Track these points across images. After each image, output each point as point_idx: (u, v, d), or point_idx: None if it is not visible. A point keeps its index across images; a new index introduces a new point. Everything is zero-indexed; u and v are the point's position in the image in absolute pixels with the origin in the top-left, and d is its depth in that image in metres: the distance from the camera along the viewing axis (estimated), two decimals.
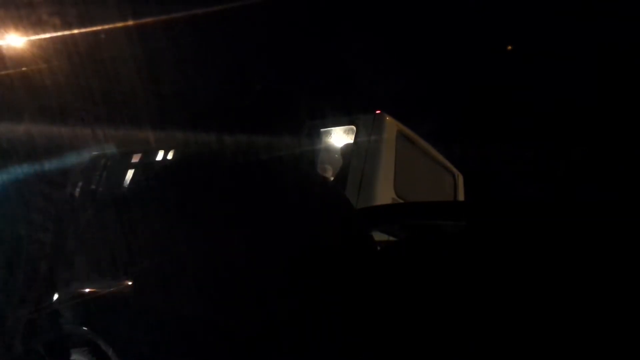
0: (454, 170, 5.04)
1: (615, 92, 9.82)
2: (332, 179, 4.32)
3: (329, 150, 4.93)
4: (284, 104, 1.21)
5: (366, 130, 3.83)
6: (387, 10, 11.79)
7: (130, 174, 4.92)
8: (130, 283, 1.12)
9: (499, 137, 10.76)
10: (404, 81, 11.18)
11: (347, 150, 3.91)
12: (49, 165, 1.03)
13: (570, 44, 10.89)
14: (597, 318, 1.26)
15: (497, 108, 11.22)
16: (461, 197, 5.02)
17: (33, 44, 6.91)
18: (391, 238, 2.28)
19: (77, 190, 5.80)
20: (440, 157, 4.85)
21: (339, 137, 4.76)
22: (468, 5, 11.33)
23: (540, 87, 11.06)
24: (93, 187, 5.52)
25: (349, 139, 4.17)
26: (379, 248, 2.01)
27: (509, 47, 11.54)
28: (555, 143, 10.26)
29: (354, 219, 1.13)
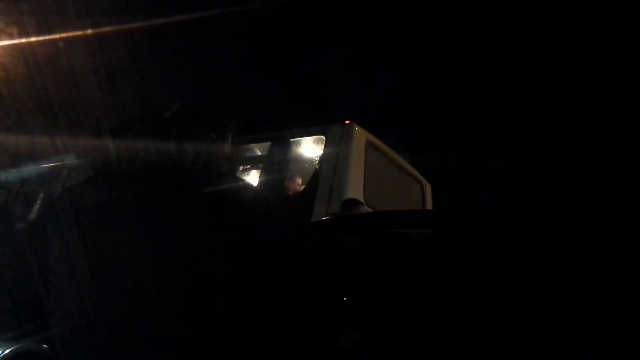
0: (422, 179, 5.11)
1: (584, 99, 10.12)
2: (302, 188, 4.32)
3: (299, 159, 4.93)
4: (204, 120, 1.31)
5: (336, 140, 3.84)
6: (359, 21, 11.94)
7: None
8: (90, 294, 1.08)
9: (467, 147, 10.97)
10: (374, 92, 11.30)
11: (317, 159, 3.92)
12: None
13: (534, 50, 11.21)
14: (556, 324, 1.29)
15: (465, 118, 11.44)
16: (429, 205, 5.09)
17: None
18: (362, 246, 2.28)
19: (38, 202, 5.60)
20: (409, 167, 4.91)
21: (309, 146, 4.77)
22: (436, 14, 11.57)
23: (509, 95, 11.32)
24: (54, 198, 5.33)
25: (319, 149, 4.17)
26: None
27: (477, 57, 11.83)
28: (524, 152, 10.52)
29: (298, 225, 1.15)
